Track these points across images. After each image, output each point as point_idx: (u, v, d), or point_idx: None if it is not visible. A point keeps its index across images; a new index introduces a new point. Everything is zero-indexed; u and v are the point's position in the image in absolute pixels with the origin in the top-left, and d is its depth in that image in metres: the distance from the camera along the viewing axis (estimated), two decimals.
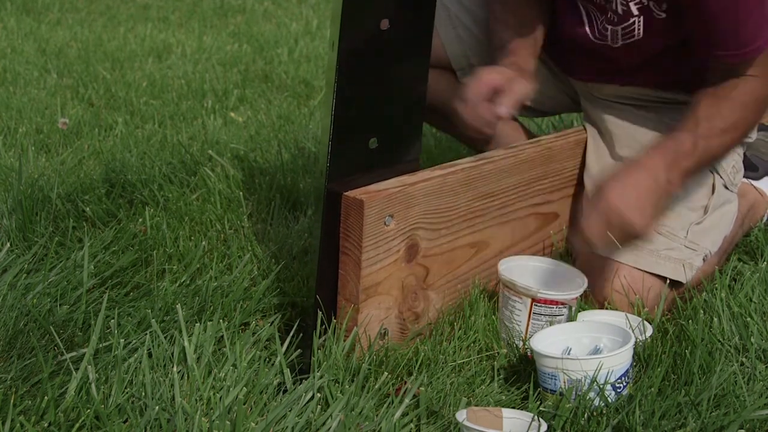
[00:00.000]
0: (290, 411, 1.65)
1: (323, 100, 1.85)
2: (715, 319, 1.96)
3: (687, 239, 2.13)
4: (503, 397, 1.80)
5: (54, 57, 4.53)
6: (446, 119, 2.50)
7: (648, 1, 2.05)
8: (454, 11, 2.40)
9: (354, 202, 1.84)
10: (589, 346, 1.83)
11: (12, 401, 1.59)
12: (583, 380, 1.71)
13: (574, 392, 1.71)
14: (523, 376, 1.85)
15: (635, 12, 2.07)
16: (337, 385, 1.75)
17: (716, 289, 2.07)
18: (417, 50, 1.92)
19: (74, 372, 1.70)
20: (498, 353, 1.93)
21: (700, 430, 1.65)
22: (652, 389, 1.73)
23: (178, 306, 1.89)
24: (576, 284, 1.99)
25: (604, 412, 1.68)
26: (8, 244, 2.20)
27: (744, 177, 2.46)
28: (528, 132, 2.51)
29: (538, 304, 1.94)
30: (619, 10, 2.08)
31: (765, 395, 1.74)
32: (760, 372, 1.82)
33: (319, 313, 1.86)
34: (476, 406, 1.73)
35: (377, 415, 1.68)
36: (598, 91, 2.31)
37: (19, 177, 2.53)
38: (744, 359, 1.86)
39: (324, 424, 1.63)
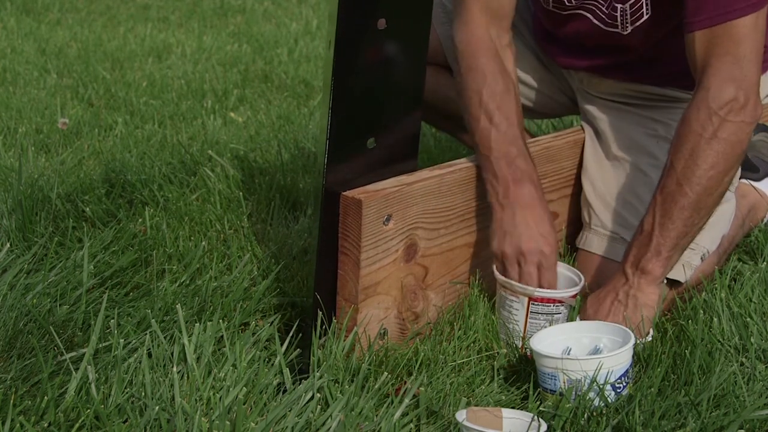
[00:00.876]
0: (290, 411, 1.65)
1: (322, 100, 1.85)
2: (715, 319, 1.96)
3: None
4: (503, 397, 1.80)
5: (54, 57, 4.53)
6: (445, 118, 2.51)
7: None
8: (451, 7, 2.41)
9: (352, 201, 1.84)
10: (589, 346, 1.83)
11: (12, 401, 1.59)
12: (582, 380, 1.71)
13: (574, 392, 1.71)
14: (522, 376, 1.85)
15: None
16: (336, 385, 1.75)
17: (716, 289, 2.07)
18: (414, 50, 1.92)
19: (74, 372, 1.70)
20: (498, 353, 1.93)
21: (700, 430, 1.65)
22: (652, 389, 1.73)
23: (178, 306, 1.89)
24: (573, 282, 1.99)
25: (604, 412, 1.69)
26: (8, 244, 2.20)
27: (745, 178, 2.45)
28: (527, 132, 2.51)
29: (536, 303, 1.94)
30: None
31: (765, 395, 1.74)
32: (759, 372, 1.82)
33: (319, 313, 1.86)
34: (476, 406, 1.73)
35: (377, 415, 1.68)
36: (596, 87, 2.30)
37: (19, 177, 2.53)
38: (744, 359, 1.86)
39: (324, 424, 1.63)
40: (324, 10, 6.09)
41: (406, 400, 1.69)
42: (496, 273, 1.99)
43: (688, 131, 1.93)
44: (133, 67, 4.39)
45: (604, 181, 2.21)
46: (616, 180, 2.20)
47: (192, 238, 2.35)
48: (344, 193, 1.86)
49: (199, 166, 2.81)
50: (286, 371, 1.78)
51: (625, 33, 2.14)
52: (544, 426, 1.64)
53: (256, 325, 1.98)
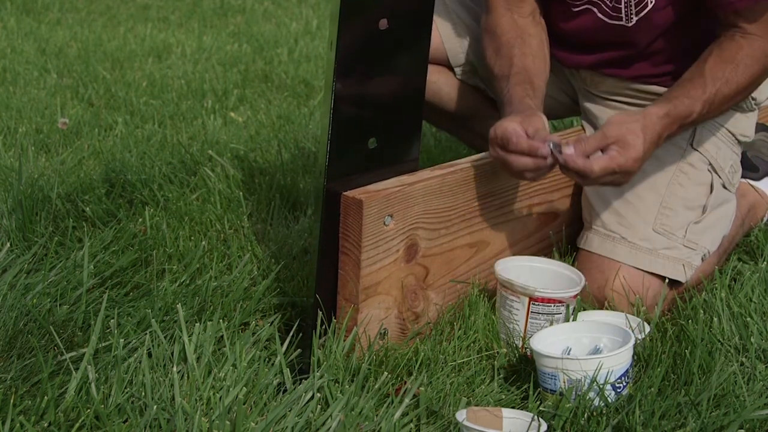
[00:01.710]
0: (290, 411, 1.65)
1: (323, 100, 1.85)
2: (715, 319, 1.96)
3: (686, 238, 2.13)
4: (503, 397, 1.80)
5: (54, 57, 4.53)
6: (446, 117, 2.51)
7: None
8: (453, 7, 2.41)
9: (353, 201, 1.84)
10: (589, 346, 1.83)
11: (12, 401, 1.59)
12: (583, 380, 1.71)
13: (574, 392, 1.71)
14: (523, 375, 1.85)
15: None
16: (336, 385, 1.75)
17: (716, 289, 2.07)
18: (416, 50, 1.92)
19: (74, 372, 1.70)
20: (498, 353, 1.93)
21: (700, 430, 1.65)
22: (652, 389, 1.73)
23: (179, 306, 1.89)
24: (574, 283, 1.99)
25: (604, 412, 1.68)
26: (8, 244, 2.20)
27: (744, 178, 2.46)
28: None
29: (536, 303, 1.94)
30: None
31: (765, 395, 1.74)
32: (760, 372, 1.82)
33: (319, 313, 1.86)
34: (476, 406, 1.73)
35: (377, 415, 1.68)
36: (598, 87, 2.30)
37: (19, 177, 2.53)
38: (744, 359, 1.86)
39: (324, 424, 1.63)
40: (324, 10, 6.09)
41: (406, 400, 1.69)
42: (497, 273, 1.99)
43: (754, 60, 2.03)
44: (133, 67, 4.39)
45: None
46: None
47: (192, 238, 2.35)
48: (345, 193, 1.85)
49: (199, 166, 2.81)
50: (286, 371, 1.78)
51: (630, 25, 2.14)
52: (544, 426, 1.64)
53: (256, 325, 1.98)
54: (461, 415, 1.64)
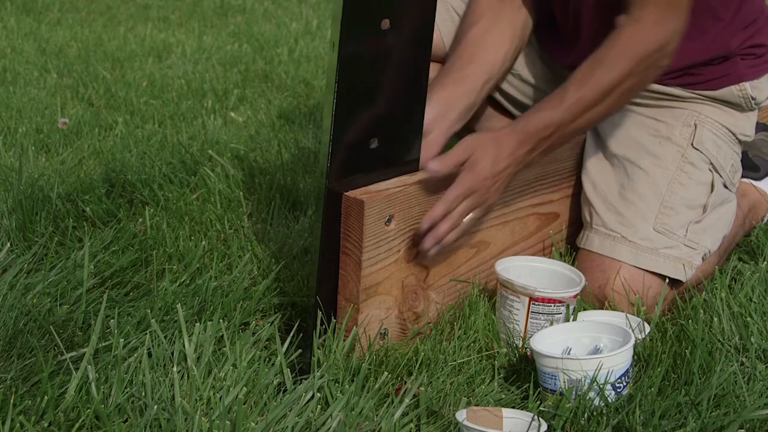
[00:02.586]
0: (290, 411, 1.65)
1: (324, 100, 1.85)
2: (715, 319, 1.96)
3: (687, 238, 2.14)
4: (503, 397, 1.80)
5: (54, 57, 4.53)
6: None
7: None
8: (452, 4, 2.40)
9: (354, 202, 1.84)
10: (589, 346, 1.83)
11: (12, 401, 1.60)
12: (583, 380, 1.71)
13: (574, 392, 1.71)
14: (523, 375, 1.85)
15: None
16: (337, 385, 1.75)
17: (716, 289, 2.07)
18: (418, 50, 1.91)
19: (74, 372, 1.70)
20: (498, 353, 1.93)
21: (700, 430, 1.65)
22: (652, 389, 1.73)
23: (179, 306, 1.89)
24: (574, 282, 1.99)
25: (604, 412, 1.68)
26: (8, 244, 2.20)
27: (745, 177, 2.46)
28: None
29: (536, 303, 1.94)
30: None
31: (765, 395, 1.75)
32: (760, 372, 1.82)
33: (319, 312, 1.86)
34: (476, 405, 1.73)
35: (377, 415, 1.68)
36: None
37: (19, 177, 2.53)
38: (744, 359, 1.86)
39: (324, 424, 1.63)
40: (324, 9, 6.09)
41: (407, 400, 1.69)
42: (498, 273, 1.99)
43: (625, 59, 1.94)
44: (134, 67, 4.39)
45: (605, 181, 2.21)
46: (617, 179, 2.20)
47: (192, 237, 2.35)
48: (346, 194, 1.85)
49: (199, 166, 2.81)
50: (287, 371, 1.78)
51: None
52: (544, 426, 1.64)
53: (257, 325, 1.98)
54: (461, 415, 1.64)
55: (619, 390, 1.73)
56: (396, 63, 1.88)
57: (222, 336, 1.89)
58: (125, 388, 1.69)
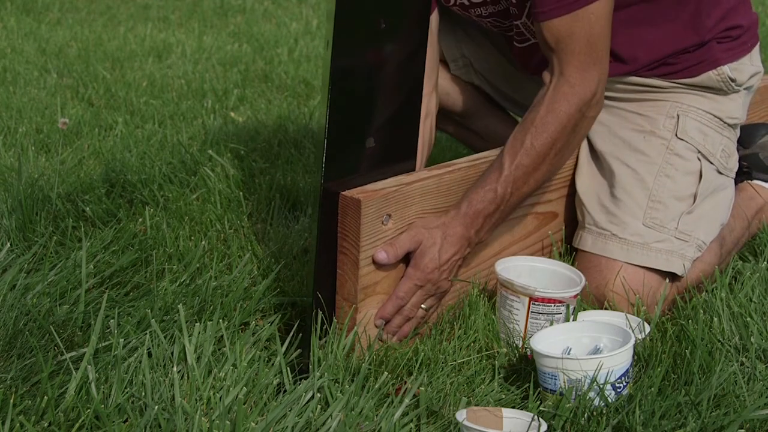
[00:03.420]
0: (290, 411, 1.65)
1: (321, 99, 1.85)
2: (715, 319, 1.96)
3: (677, 230, 2.13)
4: (503, 397, 1.80)
5: (54, 57, 4.53)
6: (443, 115, 2.51)
7: None
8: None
9: (351, 201, 1.84)
10: (589, 346, 1.83)
11: (12, 401, 1.59)
12: (583, 380, 1.71)
13: (574, 392, 1.71)
14: (523, 375, 1.85)
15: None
16: (337, 385, 1.75)
17: (716, 289, 2.07)
18: (413, 49, 1.91)
19: (74, 372, 1.70)
20: (498, 353, 1.93)
21: (700, 430, 1.65)
22: (652, 389, 1.73)
23: (180, 306, 1.89)
24: (574, 282, 1.99)
25: (604, 412, 1.68)
26: (8, 244, 2.20)
27: (756, 179, 2.45)
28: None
29: (536, 303, 1.94)
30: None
31: (765, 395, 1.74)
32: (760, 372, 1.82)
33: (319, 312, 1.86)
34: (476, 405, 1.73)
35: (377, 415, 1.68)
36: None
37: (19, 177, 2.53)
38: (744, 359, 1.86)
39: (324, 424, 1.63)
40: (324, 9, 6.09)
41: (406, 400, 1.69)
42: (498, 273, 1.99)
43: (553, 119, 1.96)
44: (134, 67, 4.39)
45: (595, 180, 2.22)
46: (606, 178, 2.21)
47: (192, 237, 2.35)
48: (343, 193, 1.85)
49: (199, 166, 2.81)
50: (287, 371, 1.78)
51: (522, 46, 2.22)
52: (544, 426, 1.64)
53: (256, 325, 1.98)
54: (461, 415, 1.64)
55: (619, 390, 1.73)
56: (391, 62, 1.88)
57: (222, 336, 1.89)
58: (125, 388, 1.69)
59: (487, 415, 1.65)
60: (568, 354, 1.78)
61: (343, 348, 1.83)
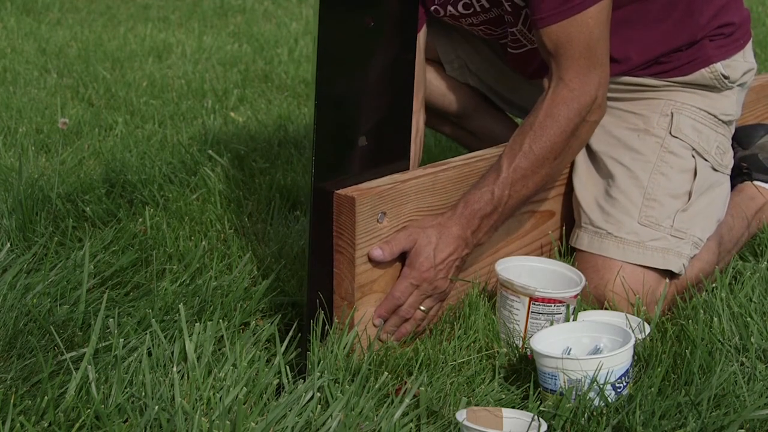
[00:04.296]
0: (290, 411, 1.65)
1: (309, 97, 1.85)
2: (715, 319, 1.96)
3: (673, 228, 2.13)
4: (503, 397, 1.80)
5: (54, 57, 4.53)
6: (436, 116, 2.51)
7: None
8: None
9: (346, 199, 1.84)
10: (589, 346, 1.83)
11: (12, 401, 1.59)
12: (583, 380, 1.71)
13: (574, 392, 1.71)
14: (523, 375, 1.85)
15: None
16: (337, 385, 1.75)
17: (716, 289, 2.07)
18: (402, 47, 1.91)
19: (74, 372, 1.70)
20: (498, 353, 1.93)
21: (700, 430, 1.65)
22: (652, 389, 1.73)
23: (181, 306, 1.89)
24: (574, 282, 1.99)
25: (604, 412, 1.68)
26: (8, 244, 2.20)
27: (756, 180, 2.45)
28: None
29: (537, 303, 1.94)
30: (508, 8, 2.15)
31: (765, 395, 1.74)
32: (760, 372, 1.82)
33: (319, 312, 1.86)
34: (476, 405, 1.73)
35: (377, 415, 1.68)
36: None
37: (19, 177, 2.53)
38: (744, 359, 1.86)
39: (324, 424, 1.63)
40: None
41: (407, 400, 1.69)
42: (498, 272, 1.99)
43: (552, 123, 1.96)
44: (134, 67, 4.39)
45: (591, 179, 2.22)
46: (602, 177, 2.21)
47: (192, 237, 2.35)
48: (337, 191, 1.85)
49: (199, 166, 2.81)
50: (286, 371, 1.78)
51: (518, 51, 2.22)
52: (544, 426, 1.64)
53: (256, 325, 1.98)
54: (461, 415, 1.64)
55: (619, 390, 1.73)
56: (380, 60, 1.88)
57: (222, 336, 1.89)
58: (125, 388, 1.69)
59: (487, 415, 1.65)
60: (568, 354, 1.78)
61: (344, 348, 1.83)
